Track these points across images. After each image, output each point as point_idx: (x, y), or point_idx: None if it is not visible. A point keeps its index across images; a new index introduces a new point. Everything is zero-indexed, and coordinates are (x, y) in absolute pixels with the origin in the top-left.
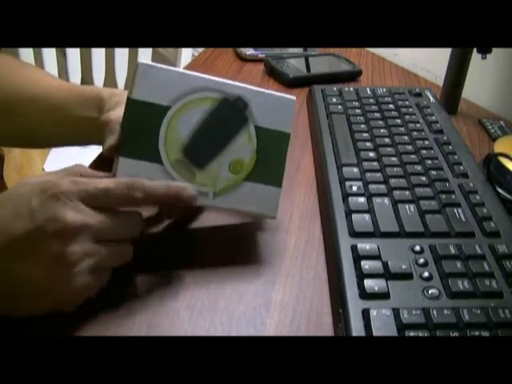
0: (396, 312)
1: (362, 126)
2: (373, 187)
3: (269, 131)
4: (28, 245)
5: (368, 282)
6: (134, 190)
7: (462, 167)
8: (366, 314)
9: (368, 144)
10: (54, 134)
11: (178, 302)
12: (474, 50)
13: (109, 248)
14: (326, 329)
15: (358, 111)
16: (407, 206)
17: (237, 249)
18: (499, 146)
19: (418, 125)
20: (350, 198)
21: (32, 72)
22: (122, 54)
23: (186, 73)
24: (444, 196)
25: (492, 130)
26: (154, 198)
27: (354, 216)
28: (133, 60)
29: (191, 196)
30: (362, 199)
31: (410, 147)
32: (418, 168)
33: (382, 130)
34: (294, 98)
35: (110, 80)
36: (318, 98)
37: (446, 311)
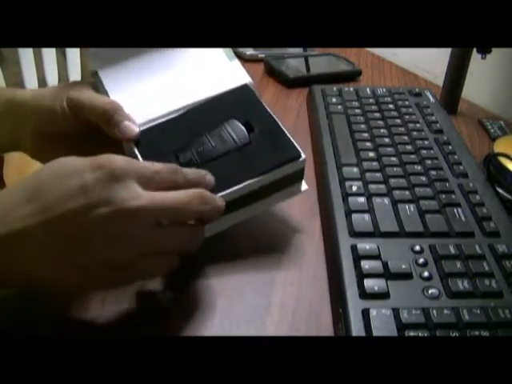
0: (396, 312)
1: (362, 126)
2: (373, 187)
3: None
4: (78, 222)
5: (368, 282)
6: (178, 174)
7: (461, 167)
8: (365, 313)
9: (368, 144)
10: None
11: (177, 301)
12: (474, 49)
13: (167, 232)
14: (325, 329)
15: (357, 111)
16: (407, 206)
17: (236, 249)
18: (499, 146)
19: (418, 125)
20: (350, 198)
21: None
22: None
23: None
24: (444, 196)
25: (492, 130)
26: (190, 184)
27: (354, 216)
28: None
29: (211, 182)
30: (361, 199)
31: (409, 147)
32: (418, 168)
33: (381, 130)
34: None
35: None
36: (318, 98)
37: (445, 311)
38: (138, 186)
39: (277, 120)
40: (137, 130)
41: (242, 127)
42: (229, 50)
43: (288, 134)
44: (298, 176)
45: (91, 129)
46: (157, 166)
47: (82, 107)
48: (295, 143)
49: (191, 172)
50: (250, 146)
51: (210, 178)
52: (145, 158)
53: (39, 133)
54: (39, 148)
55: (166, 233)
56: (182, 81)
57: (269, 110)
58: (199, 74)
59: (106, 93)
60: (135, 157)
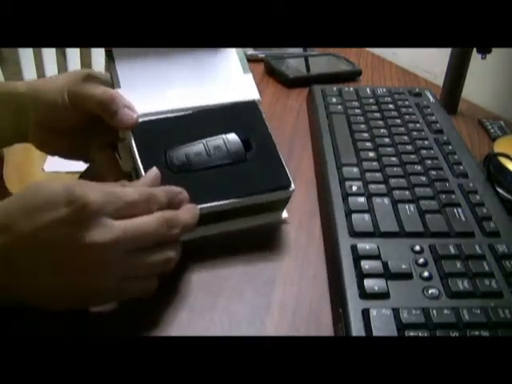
0: (396, 312)
1: (362, 125)
2: (373, 187)
3: None
4: (53, 251)
5: (368, 282)
6: (151, 203)
7: (461, 167)
8: (365, 313)
9: (368, 144)
10: None
11: (178, 301)
12: (474, 49)
13: (139, 258)
14: (325, 329)
15: (357, 111)
16: (407, 206)
17: (236, 249)
18: (499, 146)
19: (418, 125)
20: (350, 198)
21: None
22: None
23: None
24: (444, 196)
25: (492, 130)
26: (163, 208)
27: (354, 216)
28: None
29: (184, 199)
30: (361, 199)
31: (409, 147)
32: (418, 168)
33: (381, 130)
34: None
35: None
36: (318, 98)
37: (445, 311)
38: (111, 218)
39: (275, 144)
40: (135, 116)
41: (241, 144)
42: (245, 63)
43: (283, 161)
44: (283, 204)
45: (93, 120)
46: (131, 195)
47: (83, 99)
48: (288, 172)
49: (166, 194)
50: (244, 165)
51: (183, 196)
52: (140, 150)
53: (41, 124)
54: (43, 139)
55: (137, 259)
56: (193, 83)
57: (270, 132)
58: (211, 80)
59: (115, 74)
60: (130, 147)
